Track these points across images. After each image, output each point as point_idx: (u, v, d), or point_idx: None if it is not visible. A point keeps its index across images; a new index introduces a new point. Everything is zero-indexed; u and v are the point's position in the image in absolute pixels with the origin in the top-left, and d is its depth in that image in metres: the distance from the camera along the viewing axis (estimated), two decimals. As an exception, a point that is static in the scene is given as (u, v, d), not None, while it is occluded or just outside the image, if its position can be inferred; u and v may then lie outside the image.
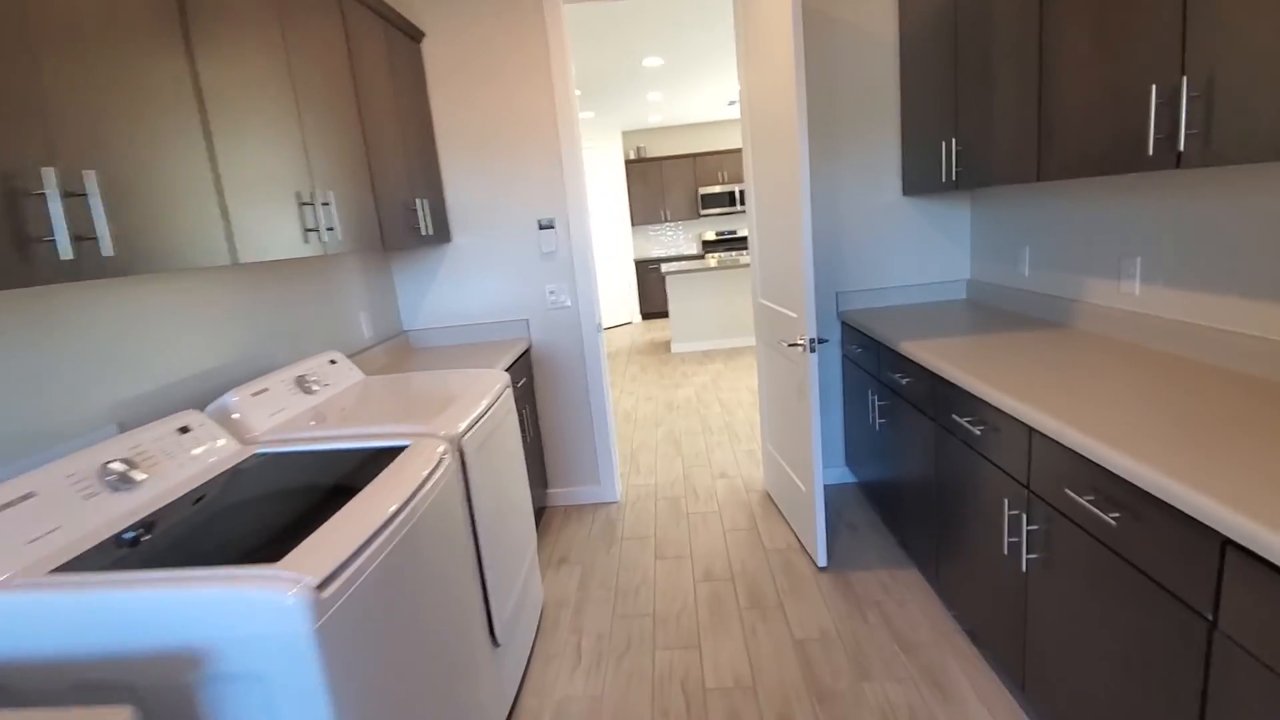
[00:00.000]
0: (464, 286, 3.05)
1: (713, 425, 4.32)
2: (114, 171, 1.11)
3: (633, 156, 9.03)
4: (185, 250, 1.26)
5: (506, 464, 1.98)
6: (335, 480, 1.32)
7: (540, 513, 3.15)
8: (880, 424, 2.54)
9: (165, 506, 1.23)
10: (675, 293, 6.70)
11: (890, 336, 2.30)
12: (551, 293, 3.01)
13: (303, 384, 1.89)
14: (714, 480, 3.40)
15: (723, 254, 8.86)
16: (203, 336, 1.77)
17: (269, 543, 1.05)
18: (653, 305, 9.14)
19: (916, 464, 2.19)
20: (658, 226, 9.36)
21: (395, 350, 2.91)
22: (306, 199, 1.76)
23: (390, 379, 2.15)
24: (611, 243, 8.63)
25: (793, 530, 2.76)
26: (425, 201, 2.64)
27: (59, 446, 1.29)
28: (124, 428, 1.45)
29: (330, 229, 1.85)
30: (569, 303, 3.03)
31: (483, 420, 1.78)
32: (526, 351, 3.03)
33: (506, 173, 2.92)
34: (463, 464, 1.62)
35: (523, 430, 2.75)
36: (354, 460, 1.43)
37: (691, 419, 4.50)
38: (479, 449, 1.73)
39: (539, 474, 3.07)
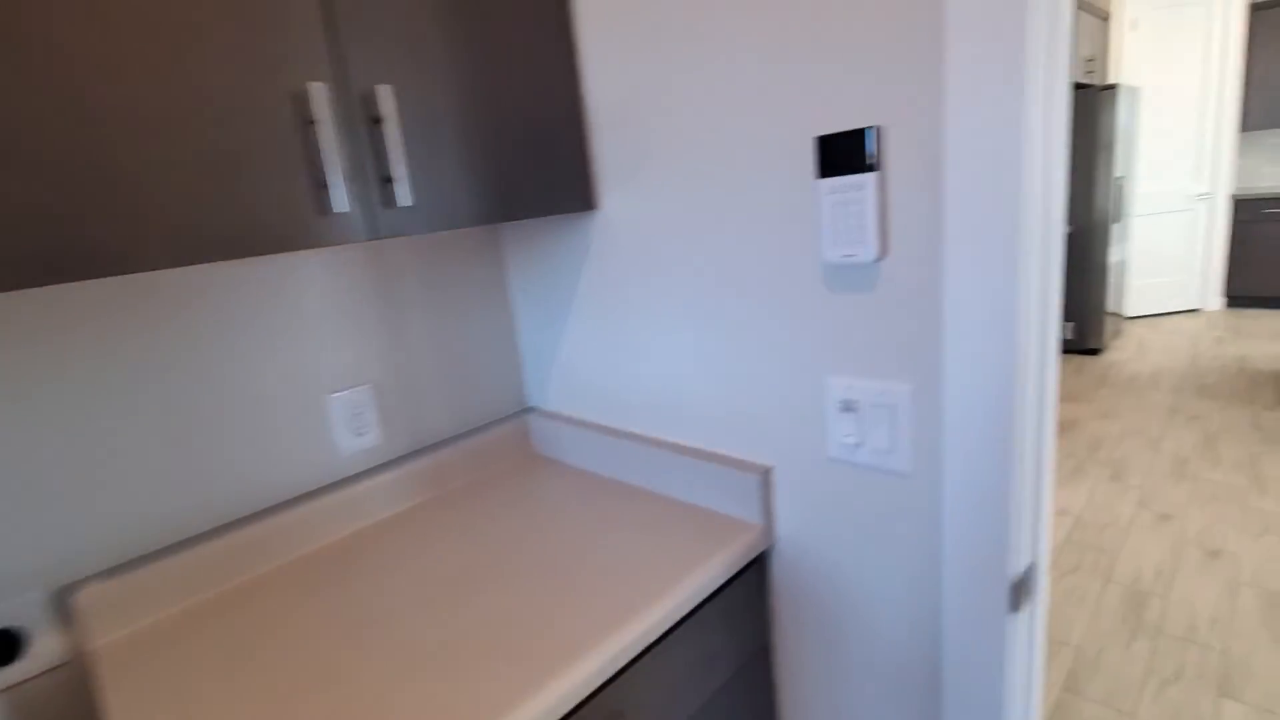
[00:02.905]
0: (618, 334, 1.12)
1: None
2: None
3: (1267, -4, 4.76)
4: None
5: None
6: None
7: None
8: None
9: None
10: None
11: None
12: (847, 408, 0.82)
13: None
14: None
15: None
16: None
17: None
18: (1255, 284, 4.94)
19: None
20: (1300, 130, 4.92)
21: (481, 462, 1.21)
22: None
23: None
24: (1173, 166, 4.85)
25: None
26: (389, 90, 0.79)
27: None
28: None
29: None
30: (902, 459, 0.79)
31: None
32: (752, 566, 0.96)
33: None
34: None
35: None
36: None
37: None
38: None
39: None
